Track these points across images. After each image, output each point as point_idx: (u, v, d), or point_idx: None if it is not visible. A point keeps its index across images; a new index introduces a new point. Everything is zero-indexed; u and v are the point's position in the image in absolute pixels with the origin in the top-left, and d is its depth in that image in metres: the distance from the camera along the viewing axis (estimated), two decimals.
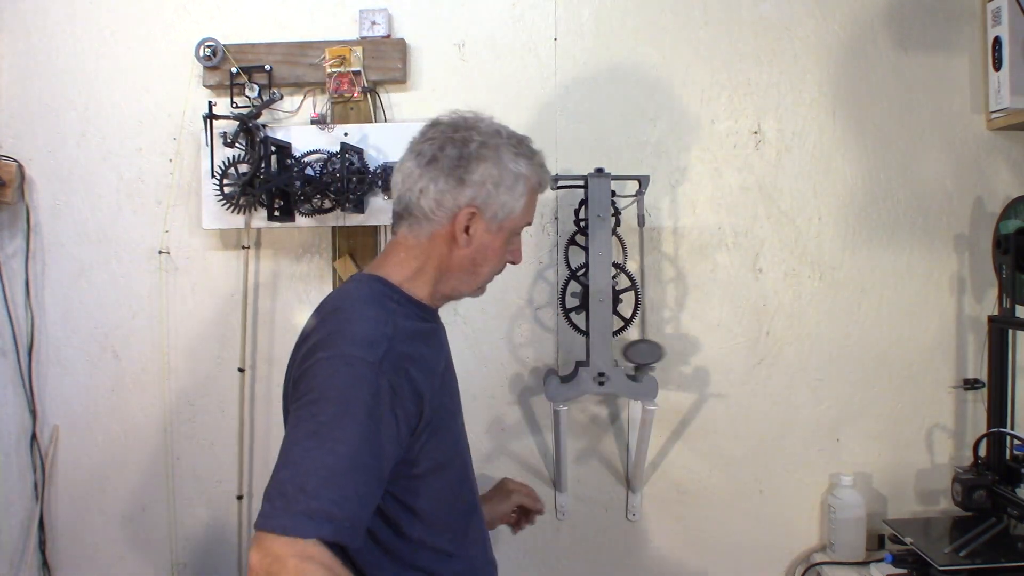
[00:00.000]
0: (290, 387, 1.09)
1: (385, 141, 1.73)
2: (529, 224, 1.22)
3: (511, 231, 1.18)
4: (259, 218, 1.72)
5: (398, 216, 1.16)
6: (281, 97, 1.74)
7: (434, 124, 1.16)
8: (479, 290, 1.22)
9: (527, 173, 1.14)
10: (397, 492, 1.09)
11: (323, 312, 1.11)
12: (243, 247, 1.80)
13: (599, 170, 1.63)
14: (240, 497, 1.83)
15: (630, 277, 1.65)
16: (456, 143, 1.12)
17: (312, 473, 0.93)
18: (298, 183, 1.66)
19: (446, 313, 1.79)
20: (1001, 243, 1.66)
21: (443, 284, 1.17)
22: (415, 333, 1.10)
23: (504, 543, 1.83)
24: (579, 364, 1.67)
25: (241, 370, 1.81)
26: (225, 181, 1.67)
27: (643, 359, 1.63)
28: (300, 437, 0.96)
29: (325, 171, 1.68)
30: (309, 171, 1.69)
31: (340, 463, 0.94)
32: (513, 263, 1.23)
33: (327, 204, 1.69)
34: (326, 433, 0.95)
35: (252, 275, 1.83)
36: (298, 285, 1.84)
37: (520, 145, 1.16)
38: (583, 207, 1.65)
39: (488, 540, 1.30)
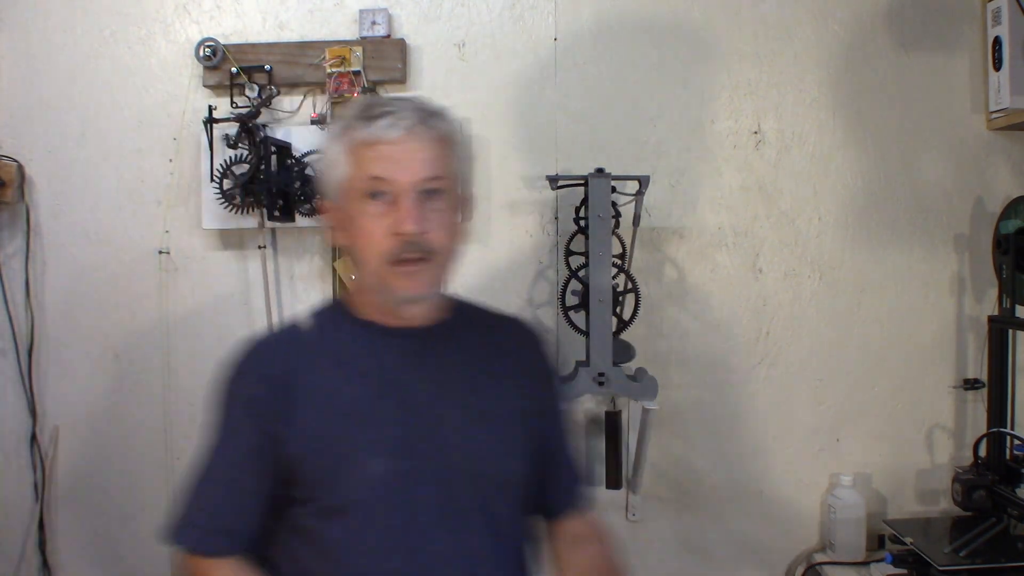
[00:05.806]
0: None
1: None
2: (375, 177, 0.98)
3: (359, 192, 1.00)
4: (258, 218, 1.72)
5: None
6: (278, 93, 1.73)
7: None
8: (389, 285, 1.00)
9: (333, 132, 1.06)
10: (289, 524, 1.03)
11: None
12: (260, 247, 1.78)
13: (599, 170, 1.63)
14: None
15: (630, 277, 1.65)
16: None
17: (189, 487, 1.04)
18: (298, 183, 1.66)
19: None
20: (1001, 243, 1.66)
21: (365, 285, 1.07)
22: (325, 347, 1.06)
23: None
24: (579, 364, 1.66)
25: None
26: (225, 181, 1.67)
27: (614, 357, 1.63)
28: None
29: None
30: (309, 171, 1.69)
31: (201, 475, 1.04)
32: (405, 231, 0.98)
33: None
34: (203, 450, 1.05)
35: (251, 275, 1.83)
36: (297, 285, 1.83)
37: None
38: (583, 207, 1.65)
39: None
